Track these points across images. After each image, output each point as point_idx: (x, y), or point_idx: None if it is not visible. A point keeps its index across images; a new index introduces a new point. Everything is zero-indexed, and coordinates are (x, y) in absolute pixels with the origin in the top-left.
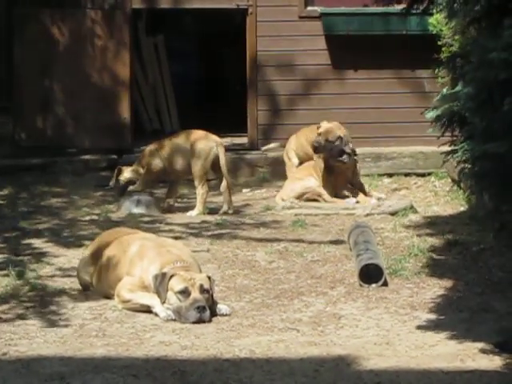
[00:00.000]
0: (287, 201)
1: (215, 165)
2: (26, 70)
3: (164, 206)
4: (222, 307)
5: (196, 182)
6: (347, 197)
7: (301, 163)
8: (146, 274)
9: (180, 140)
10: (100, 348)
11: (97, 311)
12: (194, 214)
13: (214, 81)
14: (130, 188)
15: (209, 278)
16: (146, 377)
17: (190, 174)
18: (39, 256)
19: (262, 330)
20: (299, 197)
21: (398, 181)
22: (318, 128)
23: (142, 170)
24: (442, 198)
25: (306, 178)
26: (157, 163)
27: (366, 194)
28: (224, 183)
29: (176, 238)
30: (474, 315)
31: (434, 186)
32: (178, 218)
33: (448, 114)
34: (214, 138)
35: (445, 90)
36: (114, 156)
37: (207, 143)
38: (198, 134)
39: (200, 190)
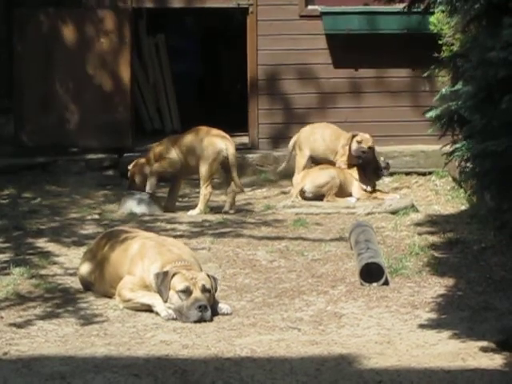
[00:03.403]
0: (290, 200)
1: (225, 166)
2: (27, 70)
3: (166, 205)
4: (222, 306)
5: (201, 182)
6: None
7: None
8: (147, 273)
9: (192, 137)
10: (101, 347)
11: (98, 310)
12: (195, 214)
13: (214, 80)
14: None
15: (211, 277)
16: (147, 376)
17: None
18: (41, 255)
19: (263, 329)
20: (322, 186)
21: (399, 180)
22: (353, 136)
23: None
24: (443, 196)
25: (330, 168)
26: (172, 159)
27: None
28: (232, 186)
29: (177, 237)
30: (475, 314)
31: (435, 185)
32: (179, 217)
33: (448, 113)
34: (226, 140)
35: (444, 90)
36: (115, 155)
37: (217, 145)
38: (210, 133)
39: (204, 191)
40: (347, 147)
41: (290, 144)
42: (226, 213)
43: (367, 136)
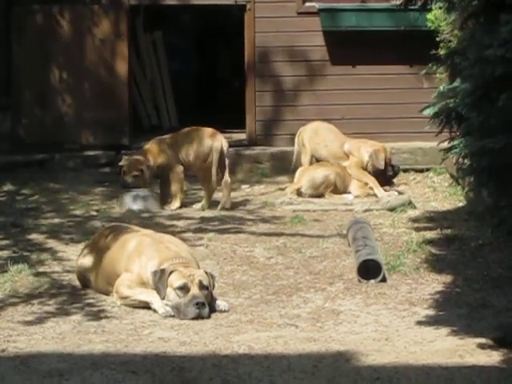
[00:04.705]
0: (288, 195)
1: (220, 162)
2: (25, 67)
3: (164, 206)
4: (220, 303)
5: (200, 180)
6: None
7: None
8: (145, 270)
9: (188, 136)
10: (99, 344)
11: (95, 307)
12: (198, 207)
13: (212, 77)
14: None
15: (209, 274)
16: (145, 373)
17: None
18: (39, 252)
19: (261, 326)
20: (318, 187)
21: (397, 176)
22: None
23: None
24: (441, 193)
25: (327, 166)
26: (165, 157)
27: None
28: (226, 179)
29: (175, 233)
30: (472, 311)
31: (433, 182)
32: (177, 213)
33: (445, 110)
34: (219, 137)
35: (442, 87)
36: (113, 152)
37: (214, 141)
38: (203, 132)
39: (206, 186)
40: (380, 165)
41: (295, 141)
42: (223, 208)
43: (389, 150)
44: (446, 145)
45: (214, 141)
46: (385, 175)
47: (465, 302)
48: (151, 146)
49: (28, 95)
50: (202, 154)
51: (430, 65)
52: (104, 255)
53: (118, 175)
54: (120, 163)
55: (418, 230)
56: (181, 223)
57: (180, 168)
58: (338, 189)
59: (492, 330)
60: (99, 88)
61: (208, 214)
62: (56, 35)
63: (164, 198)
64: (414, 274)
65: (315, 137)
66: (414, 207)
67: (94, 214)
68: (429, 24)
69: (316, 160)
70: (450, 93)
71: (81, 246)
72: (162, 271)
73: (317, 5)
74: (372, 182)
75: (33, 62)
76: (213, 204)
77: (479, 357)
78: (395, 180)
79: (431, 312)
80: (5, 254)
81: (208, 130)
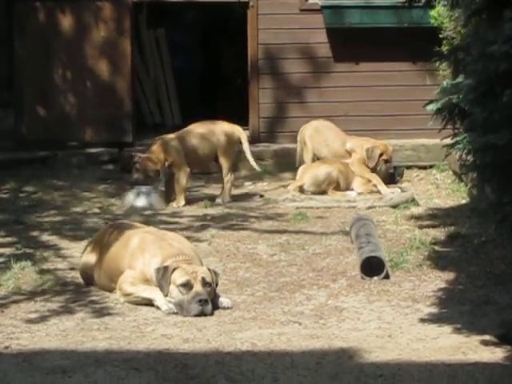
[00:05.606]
0: (291, 193)
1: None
2: (27, 64)
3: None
4: (223, 300)
5: (225, 171)
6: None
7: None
8: (148, 267)
9: (205, 129)
10: (102, 341)
11: (98, 304)
12: (220, 201)
13: (215, 74)
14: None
15: (212, 270)
16: (148, 370)
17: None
18: (42, 249)
19: (264, 323)
20: (320, 184)
21: (401, 178)
22: (380, 155)
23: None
24: (444, 190)
25: (329, 163)
26: (175, 156)
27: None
28: (228, 177)
29: (178, 230)
30: (475, 308)
31: (436, 179)
32: (180, 211)
33: (448, 106)
34: (236, 127)
35: (445, 83)
36: (116, 149)
37: (235, 133)
38: (218, 124)
39: (229, 178)
40: (372, 162)
41: (297, 139)
42: (218, 202)
43: (390, 149)
44: (449, 141)
45: (231, 132)
46: (385, 173)
47: (468, 298)
48: (161, 145)
49: (30, 92)
50: (225, 145)
51: (433, 60)
52: (107, 252)
53: (127, 172)
54: (134, 161)
55: (421, 227)
56: (184, 220)
57: (187, 169)
58: (341, 186)
59: (495, 327)
60: (102, 85)
61: (211, 211)
62: (58, 32)
63: (169, 196)
64: (417, 270)
65: (316, 135)
66: (417, 204)
67: (97, 211)
68: (432, 21)
69: (317, 159)
70: (453, 88)
71: (84, 243)
72: (165, 268)
73: (320, 2)
74: (375, 178)
75: (35, 60)
76: (212, 199)
77: (482, 354)
78: (397, 177)
79: (434, 309)
80: (8, 251)
81: (223, 123)
